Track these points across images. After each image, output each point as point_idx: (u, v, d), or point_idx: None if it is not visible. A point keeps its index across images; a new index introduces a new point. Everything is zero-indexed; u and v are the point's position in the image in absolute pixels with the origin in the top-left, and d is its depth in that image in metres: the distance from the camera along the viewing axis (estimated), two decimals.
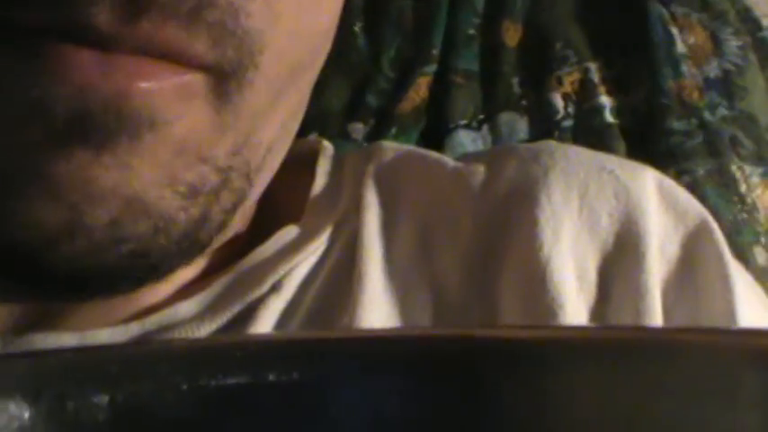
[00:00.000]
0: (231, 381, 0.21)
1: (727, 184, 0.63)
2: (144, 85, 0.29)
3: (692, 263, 0.42)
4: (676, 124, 0.66)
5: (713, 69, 0.68)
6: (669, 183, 0.45)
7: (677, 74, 0.68)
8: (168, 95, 0.30)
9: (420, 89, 0.71)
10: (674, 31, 0.70)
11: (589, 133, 0.68)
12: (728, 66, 0.69)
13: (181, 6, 0.28)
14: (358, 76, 0.72)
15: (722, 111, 0.66)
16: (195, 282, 0.39)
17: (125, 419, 0.21)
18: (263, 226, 0.42)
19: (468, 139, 0.69)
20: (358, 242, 0.41)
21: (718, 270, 0.41)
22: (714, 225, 0.43)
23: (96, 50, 0.28)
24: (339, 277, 0.40)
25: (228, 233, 0.38)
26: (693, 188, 0.61)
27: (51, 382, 0.21)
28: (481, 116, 0.70)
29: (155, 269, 0.34)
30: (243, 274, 0.39)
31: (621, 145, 0.67)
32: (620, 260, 0.42)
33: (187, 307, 0.38)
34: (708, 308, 0.41)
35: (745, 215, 0.61)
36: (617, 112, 0.68)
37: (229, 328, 0.38)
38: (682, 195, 0.44)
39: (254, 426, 0.22)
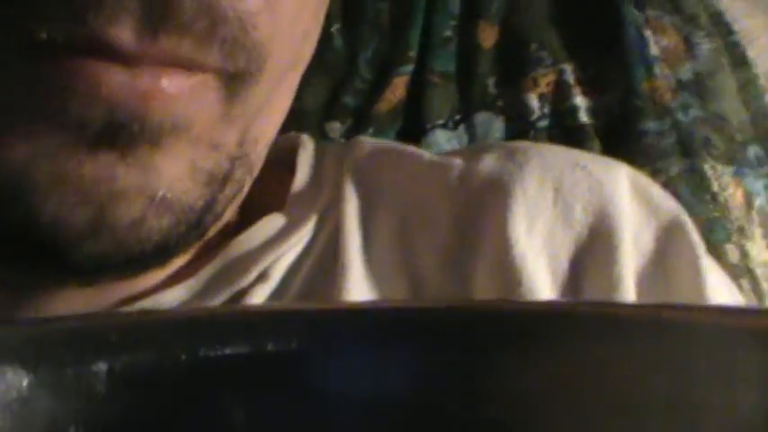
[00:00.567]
0: (230, 351, 0.22)
1: (700, 184, 0.64)
2: (164, 92, 0.31)
3: (665, 256, 0.42)
4: (650, 125, 0.66)
5: (686, 72, 0.69)
6: (642, 178, 0.46)
7: (651, 75, 0.69)
8: (185, 97, 0.31)
9: (397, 89, 0.72)
10: (648, 33, 0.71)
11: (564, 133, 0.68)
12: (701, 68, 0.70)
13: (196, 24, 0.30)
14: (335, 76, 0.72)
15: (695, 112, 0.67)
16: (183, 269, 0.40)
17: (124, 388, 0.21)
18: (247, 216, 0.42)
19: (444, 139, 0.70)
20: (340, 233, 0.42)
21: (691, 263, 0.42)
22: (687, 220, 0.44)
23: (121, 65, 0.30)
24: (323, 267, 0.41)
25: (221, 222, 0.39)
26: (667, 187, 0.62)
27: (50, 350, 0.21)
28: (457, 116, 0.71)
29: (168, 255, 0.36)
30: (230, 263, 0.40)
31: (596, 144, 0.68)
32: (593, 252, 0.42)
33: (175, 294, 0.39)
34: (680, 300, 0.42)
35: (717, 213, 0.62)
36: (592, 112, 0.69)
37: None
38: (655, 191, 0.45)
39: (253, 395, 0.22)
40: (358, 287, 0.41)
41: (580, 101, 0.69)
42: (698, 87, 0.69)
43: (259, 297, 0.39)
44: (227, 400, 0.22)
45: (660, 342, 0.22)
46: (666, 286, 0.42)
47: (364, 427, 0.22)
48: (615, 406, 0.22)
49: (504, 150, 0.46)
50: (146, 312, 0.31)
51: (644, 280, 0.42)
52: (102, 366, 0.22)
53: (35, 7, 0.29)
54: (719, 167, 0.64)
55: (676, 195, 0.59)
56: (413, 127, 0.70)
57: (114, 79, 0.30)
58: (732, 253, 0.61)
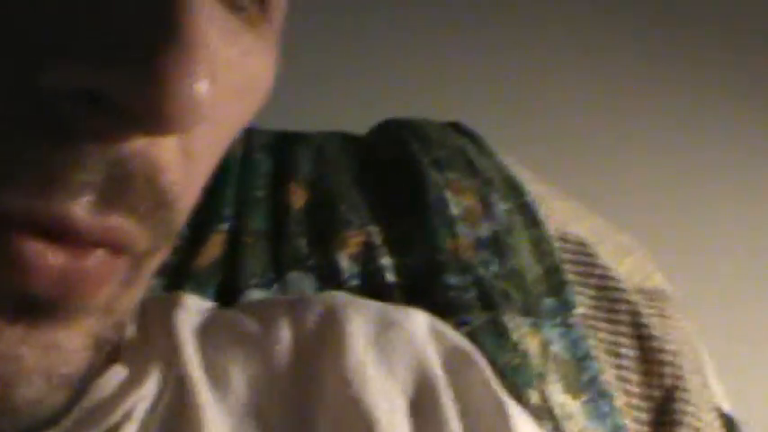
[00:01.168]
0: None
1: (501, 334, 0.68)
2: (88, 278, 0.31)
3: (460, 375, 0.48)
4: (453, 280, 0.71)
5: (484, 230, 0.74)
6: (437, 323, 0.52)
7: (453, 234, 0.73)
8: (102, 281, 0.32)
9: (214, 247, 0.73)
10: (449, 195, 0.76)
11: (373, 292, 0.72)
12: (497, 227, 0.75)
13: (142, 205, 0.31)
14: None
15: (494, 267, 0.72)
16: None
17: None
18: None
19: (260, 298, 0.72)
20: (186, 378, 0.44)
21: (483, 382, 0.48)
22: (477, 354, 0.50)
23: (59, 246, 0.30)
24: (178, 409, 0.44)
25: None
26: (472, 338, 0.66)
27: None
28: (271, 275, 0.73)
29: (56, 423, 0.37)
30: (93, 407, 0.41)
31: (402, 303, 0.72)
32: (422, 406, 0.47)
33: None
34: (486, 422, 0.47)
35: (518, 360, 0.66)
36: (398, 271, 0.73)
37: None
38: (449, 333, 0.51)
39: None
40: (214, 425, 0.43)
41: (387, 261, 0.73)
42: (496, 244, 0.74)
43: None
44: None
45: None
46: (476, 415, 0.48)
47: None
48: None
49: (325, 307, 0.50)
50: None
51: (462, 415, 0.47)
52: None
53: (2, 177, 0.29)
54: (518, 318, 0.69)
55: (480, 345, 0.64)
56: (231, 284, 0.72)
57: (49, 264, 0.30)
58: (533, 396, 0.65)
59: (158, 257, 0.36)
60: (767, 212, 1.32)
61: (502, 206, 0.76)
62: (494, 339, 0.67)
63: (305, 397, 0.46)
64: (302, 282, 0.73)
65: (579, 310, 0.73)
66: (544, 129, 1.23)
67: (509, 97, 1.25)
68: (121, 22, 0.28)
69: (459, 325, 0.68)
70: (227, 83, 0.35)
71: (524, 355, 0.67)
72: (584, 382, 0.68)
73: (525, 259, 0.73)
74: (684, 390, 0.71)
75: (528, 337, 0.68)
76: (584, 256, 0.77)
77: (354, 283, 0.72)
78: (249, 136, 0.82)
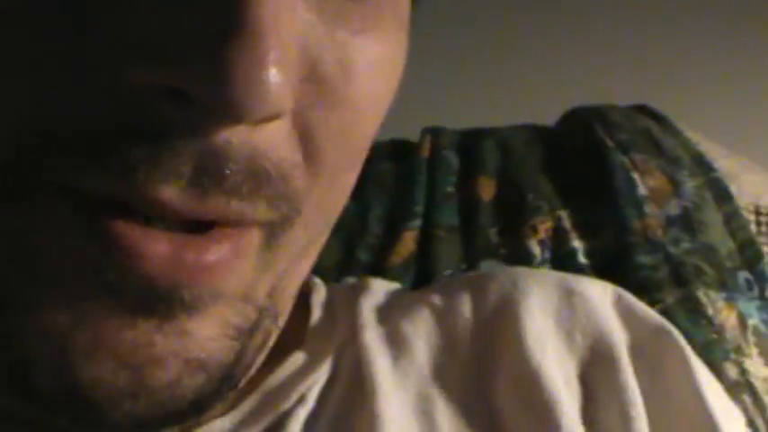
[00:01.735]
0: None
1: (696, 310, 0.67)
2: (208, 265, 0.32)
3: (657, 357, 0.47)
4: (644, 259, 0.71)
5: (673, 208, 0.74)
6: (627, 297, 0.51)
7: (641, 214, 0.73)
8: (228, 266, 0.33)
9: (407, 243, 0.76)
10: (635, 176, 0.76)
11: None
12: (687, 204, 0.74)
13: (243, 186, 0.32)
14: (348, 234, 0.77)
15: (685, 244, 0.72)
16: (224, 403, 0.43)
17: None
18: (271, 351, 0.46)
19: None
20: (363, 359, 0.46)
21: (682, 361, 0.47)
22: (671, 328, 0.49)
23: (164, 233, 0.31)
24: (351, 393, 0.45)
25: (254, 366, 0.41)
26: (666, 315, 0.66)
27: None
28: (464, 266, 0.75)
29: (203, 409, 0.37)
30: (269, 392, 0.43)
31: None
32: (598, 368, 0.47)
33: (222, 424, 0.42)
34: (677, 395, 0.46)
35: (714, 335, 0.66)
36: (589, 253, 0.73)
37: None
38: (638, 307, 0.50)
39: None
40: (389, 407, 0.44)
41: (577, 244, 0.73)
42: (686, 221, 0.73)
43: (299, 418, 0.43)
44: None
45: None
46: (665, 387, 0.47)
47: None
48: None
49: (507, 279, 0.51)
50: None
51: (644, 382, 0.47)
52: None
53: (85, 160, 0.30)
54: (712, 294, 0.68)
55: (674, 322, 0.63)
56: (425, 278, 0.74)
57: (156, 251, 0.31)
58: (731, 370, 0.64)
59: (297, 234, 0.36)
60: None
61: (690, 183, 0.76)
62: (688, 315, 0.67)
63: (485, 367, 0.47)
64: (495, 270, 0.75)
65: None
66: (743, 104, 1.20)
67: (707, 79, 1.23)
68: (191, 18, 0.29)
69: (652, 303, 0.68)
70: (338, 63, 0.34)
71: (721, 329, 0.66)
72: None
73: (717, 234, 0.73)
74: None
75: (724, 312, 0.67)
76: None
77: (546, 267, 0.73)
78: (436, 136, 0.84)
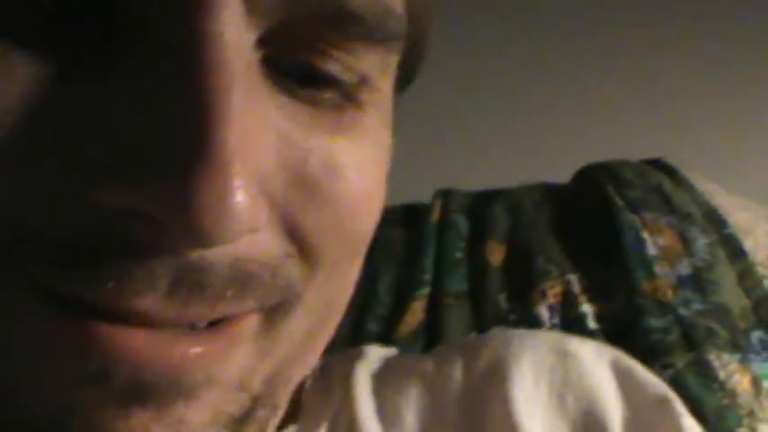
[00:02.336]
0: None
1: (707, 374, 0.65)
2: (198, 352, 0.32)
3: (653, 431, 0.46)
4: (654, 322, 0.69)
5: (684, 267, 0.72)
6: (625, 361, 0.49)
7: (651, 275, 0.72)
8: (221, 352, 0.33)
9: (416, 312, 0.76)
10: (645, 235, 0.74)
11: None
12: (699, 263, 0.73)
13: (227, 292, 0.31)
14: (357, 304, 0.77)
15: (696, 305, 0.70)
16: None
17: None
18: None
19: None
20: (356, 426, 0.45)
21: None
22: (671, 397, 0.47)
23: (145, 329, 0.30)
24: None
25: None
26: (676, 381, 0.64)
27: None
28: (473, 334, 0.74)
29: None
30: None
31: None
32: None
33: None
34: None
35: (726, 401, 0.64)
36: (599, 317, 0.72)
37: None
38: (637, 371, 0.48)
39: None
40: None
41: (587, 308, 0.72)
42: (697, 281, 0.71)
43: None
44: None
45: None
46: None
47: None
48: None
49: (500, 341, 0.50)
50: None
51: None
52: None
53: (56, 267, 0.30)
54: (725, 356, 0.66)
55: (685, 387, 0.62)
56: (433, 347, 0.74)
57: (140, 341, 0.30)
58: None
59: (300, 322, 0.36)
60: None
61: (702, 241, 0.74)
62: (699, 380, 0.65)
63: (472, 427, 0.47)
64: None
65: None
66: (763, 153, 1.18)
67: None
68: (157, 140, 0.29)
69: (663, 368, 0.66)
70: (320, 164, 0.34)
71: (733, 393, 0.64)
72: None
73: (730, 293, 0.71)
74: None
75: (737, 374, 0.65)
76: None
77: None
78: (446, 199, 0.84)
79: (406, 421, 0.48)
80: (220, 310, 0.32)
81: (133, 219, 0.29)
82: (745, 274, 0.72)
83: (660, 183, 0.80)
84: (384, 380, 0.50)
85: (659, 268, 0.72)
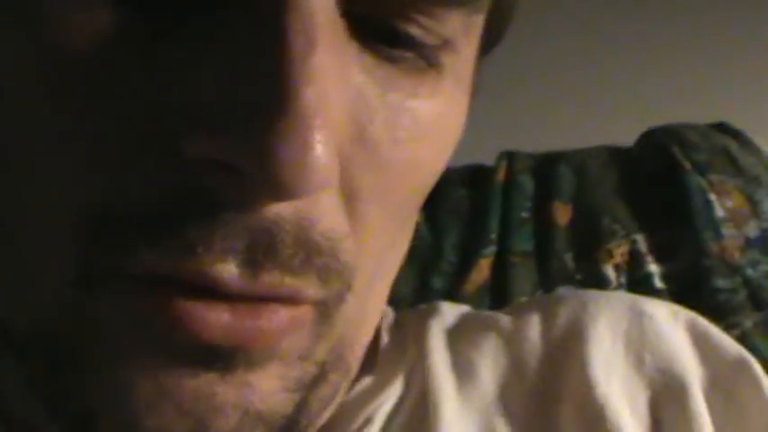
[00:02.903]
0: None
1: None
2: (264, 330, 0.33)
3: (733, 392, 0.46)
4: (721, 283, 0.70)
5: (752, 229, 0.73)
6: (701, 322, 0.50)
7: (718, 236, 0.72)
8: (282, 332, 0.34)
9: (482, 270, 0.77)
10: (712, 197, 0.75)
11: None
12: (766, 225, 0.73)
13: (294, 259, 0.32)
14: (423, 262, 0.78)
15: (763, 267, 0.70)
16: None
17: None
18: None
19: None
20: (429, 383, 0.46)
21: (759, 396, 0.46)
22: (749, 358, 0.47)
23: (223, 303, 0.32)
24: (417, 414, 0.46)
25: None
26: (743, 340, 0.65)
27: None
28: (539, 293, 0.75)
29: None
30: (337, 415, 0.44)
31: None
32: (668, 397, 0.46)
33: None
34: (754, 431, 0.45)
35: None
36: (665, 278, 0.72)
37: None
38: (713, 334, 0.49)
39: None
40: (455, 423, 0.45)
41: (653, 268, 0.73)
42: (765, 243, 0.72)
43: None
44: None
45: None
46: (737, 419, 0.46)
47: None
48: None
49: (577, 302, 0.51)
50: None
51: (718, 415, 0.46)
52: None
53: (142, 243, 0.31)
54: None
55: (752, 346, 0.62)
56: (499, 305, 0.75)
57: (217, 321, 0.32)
58: None
59: (350, 306, 0.37)
60: None
61: None
62: (767, 339, 0.66)
63: (550, 394, 0.47)
64: None
65: None
66: None
67: None
68: (243, 93, 0.30)
69: (729, 328, 0.67)
70: (386, 127, 0.35)
71: None
72: None
73: None
74: None
75: None
76: None
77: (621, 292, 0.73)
78: (511, 160, 0.85)
79: (481, 376, 0.48)
80: (288, 283, 0.33)
81: (216, 171, 0.30)
82: None
83: (726, 145, 0.81)
84: (459, 335, 0.51)
85: (726, 230, 0.73)
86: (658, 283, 0.72)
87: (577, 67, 1.18)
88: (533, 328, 0.50)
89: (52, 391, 0.34)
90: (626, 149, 0.87)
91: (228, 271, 0.31)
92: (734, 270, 0.70)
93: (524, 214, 0.79)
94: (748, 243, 0.72)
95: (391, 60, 0.35)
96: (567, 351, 0.48)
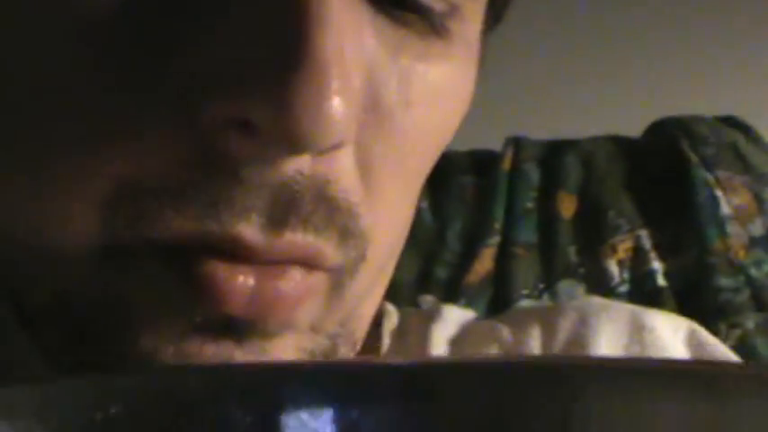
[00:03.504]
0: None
1: None
2: (283, 298, 0.33)
3: None
4: (724, 281, 0.69)
5: (757, 227, 0.72)
6: (701, 335, 0.50)
7: (723, 234, 0.72)
8: (299, 297, 0.33)
9: (485, 261, 0.76)
10: (719, 193, 0.74)
11: (643, 297, 0.72)
12: None
13: (315, 216, 0.32)
14: (426, 250, 0.78)
15: (767, 266, 0.70)
16: None
17: None
18: None
19: None
20: None
21: None
22: None
23: (246, 266, 0.32)
24: None
25: None
26: (744, 340, 0.65)
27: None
28: (541, 285, 0.75)
29: None
30: None
31: (672, 307, 0.71)
32: None
33: None
34: None
35: None
36: (668, 275, 0.72)
37: None
38: (713, 346, 0.49)
39: None
40: None
41: (657, 265, 0.73)
42: None
43: None
44: None
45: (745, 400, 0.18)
46: None
47: None
48: None
49: (578, 315, 0.51)
50: None
51: None
52: None
53: (169, 208, 0.31)
54: None
55: (754, 348, 0.62)
56: (502, 297, 0.74)
57: (242, 286, 0.32)
58: None
59: (363, 278, 0.36)
60: None
61: None
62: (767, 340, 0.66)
63: None
64: (572, 290, 0.74)
65: None
66: None
67: None
68: (257, 48, 0.29)
69: (731, 327, 0.67)
70: (398, 91, 0.35)
71: None
72: None
73: None
74: None
75: None
76: None
77: (624, 289, 0.73)
78: (517, 148, 0.84)
79: None
80: (309, 242, 0.32)
81: (234, 130, 0.30)
82: None
83: (735, 140, 0.80)
84: (461, 346, 0.50)
85: (732, 227, 0.72)
86: (661, 281, 0.72)
87: (588, 53, 1.17)
88: (534, 341, 0.50)
89: (72, 361, 0.34)
90: (633, 140, 0.86)
91: (252, 228, 0.31)
92: (737, 269, 0.70)
93: (529, 204, 0.79)
94: (753, 242, 0.72)
95: (401, 23, 0.35)
96: None
